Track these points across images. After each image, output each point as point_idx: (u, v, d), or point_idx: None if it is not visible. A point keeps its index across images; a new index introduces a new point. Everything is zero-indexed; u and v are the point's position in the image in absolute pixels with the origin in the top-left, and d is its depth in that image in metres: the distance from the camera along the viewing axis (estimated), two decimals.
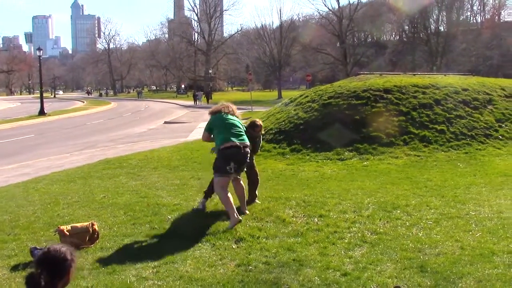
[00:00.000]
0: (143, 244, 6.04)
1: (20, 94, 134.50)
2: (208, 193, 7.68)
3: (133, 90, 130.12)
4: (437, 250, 5.57)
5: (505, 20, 79.08)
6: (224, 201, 6.82)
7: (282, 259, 5.42)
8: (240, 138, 6.98)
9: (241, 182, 7.32)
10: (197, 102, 56.97)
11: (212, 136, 7.25)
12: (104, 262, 5.48)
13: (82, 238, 5.94)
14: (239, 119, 7.36)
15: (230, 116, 7.25)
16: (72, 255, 2.57)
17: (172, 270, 5.20)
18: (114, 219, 7.24)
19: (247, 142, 7.02)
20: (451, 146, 12.11)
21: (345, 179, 9.73)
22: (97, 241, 6.12)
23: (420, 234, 6.14)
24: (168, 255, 5.62)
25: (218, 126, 7.16)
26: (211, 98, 58.57)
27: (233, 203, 6.78)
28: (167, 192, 8.97)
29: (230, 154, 6.85)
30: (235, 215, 6.65)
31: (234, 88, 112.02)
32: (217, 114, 7.30)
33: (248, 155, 7.05)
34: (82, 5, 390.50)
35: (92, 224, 6.13)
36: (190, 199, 8.30)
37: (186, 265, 5.33)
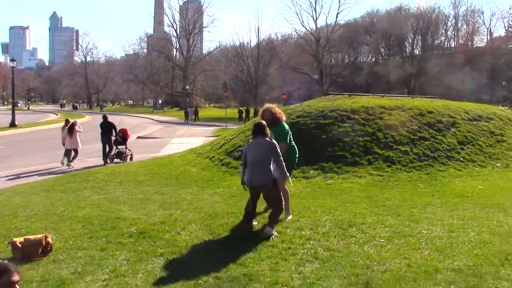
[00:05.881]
0: (96, 257, 6.04)
1: None
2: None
3: (112, 104, 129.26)
4: (384, 267, 5.72)
5: (478, 45, 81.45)
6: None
7: (233, 274, 5.49)
8: None
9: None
10: (188, 119, 52.92)
11: None
12: (54, 274, 5.47)
13: (35, 250, 5.93)
14: None
15: None
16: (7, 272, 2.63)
17: (122, 284, 5.23)
18: (71, 232, 7.22)
19: None
20: (413, 166, 12.36)
21: (308, 197, 9.85)
22: (50, 253, 6.11)
23: (371, 252, 6.28)
24: (119, 268, 5.66)
25: (291, 136, 8.23)
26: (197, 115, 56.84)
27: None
28: (128, 207, 8.97)
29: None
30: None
31: (211, 105, 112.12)
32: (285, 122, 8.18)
33: None
34: (60, 17, 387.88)
35: (46, 237, 6.13)
36: (150, 213, 8.32)
37: (136, 279, 5.36)
